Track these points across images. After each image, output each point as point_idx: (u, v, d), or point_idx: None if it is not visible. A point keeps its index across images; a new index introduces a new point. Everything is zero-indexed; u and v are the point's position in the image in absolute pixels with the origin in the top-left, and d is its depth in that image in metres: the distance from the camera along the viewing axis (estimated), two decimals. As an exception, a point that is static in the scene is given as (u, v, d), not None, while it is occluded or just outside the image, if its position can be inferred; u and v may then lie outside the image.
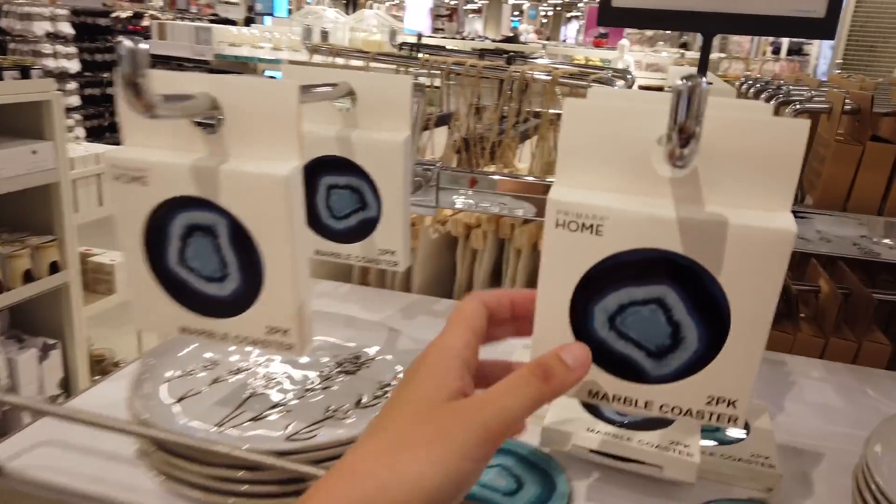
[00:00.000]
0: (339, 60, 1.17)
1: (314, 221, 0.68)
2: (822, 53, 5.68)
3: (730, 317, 0.37)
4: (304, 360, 0.70)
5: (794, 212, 0.36)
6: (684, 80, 0.32)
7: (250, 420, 0.60)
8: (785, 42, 7.68)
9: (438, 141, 1.32)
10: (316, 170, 0.66)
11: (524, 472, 0.61)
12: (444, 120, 1.16)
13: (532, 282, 0.39)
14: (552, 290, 0.39)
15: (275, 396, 0.64)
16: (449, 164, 1.27)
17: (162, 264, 0.50)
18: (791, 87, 1.15)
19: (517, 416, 0.35)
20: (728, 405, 0.39)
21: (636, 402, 0.40)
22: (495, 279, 1.10)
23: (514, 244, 1.03)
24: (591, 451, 0.60)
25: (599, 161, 0.37)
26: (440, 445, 0.33)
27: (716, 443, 0.64)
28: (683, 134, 0.33)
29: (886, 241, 0.86)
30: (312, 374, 0.68)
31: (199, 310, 0.50)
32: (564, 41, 11.86)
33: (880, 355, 0.90)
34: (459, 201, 0.96)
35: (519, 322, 0.43)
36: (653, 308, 0.38)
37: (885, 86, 1.09)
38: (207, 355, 0.69)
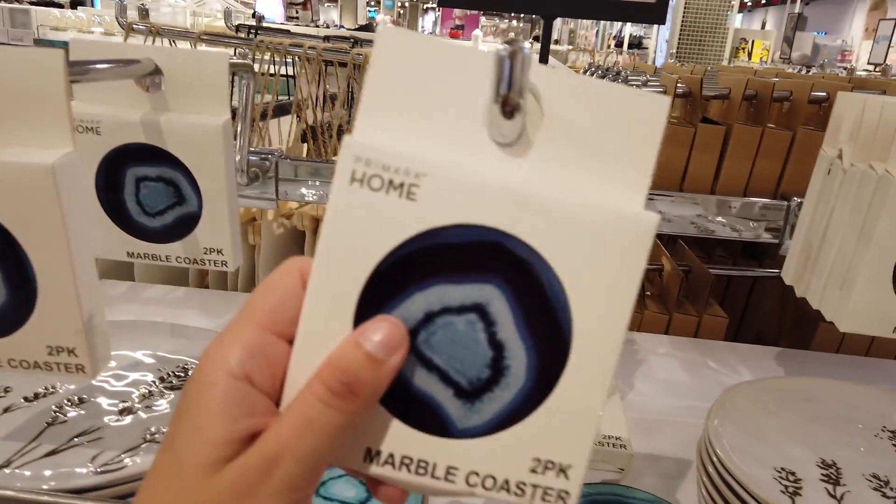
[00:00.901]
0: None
1: (123, 220, 0.60)
2: (658, 46, 6.10)
3: (570, 334, 0.28)
4: (122, 378, 0.61)
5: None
6: (505, 46, 0.29)
7: (48, 454, 0.51)
8: (627, 36, 8.19)
9: (287, 130, 1.25)
10: (119, 160, 0.57)
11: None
12: (283, 109, 1.09)
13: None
14: (333, 278, 0.27)
15: (82, 423, 0.55)
16: (298, 153, 1.20)
17: None
18: (629, 73, 1.18)
19: (325, 456, 0.26)
20: (559, 473, 0.28)
21: (435, 467, 0.29)
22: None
23: (365, 236, 0.98)
24: None
25: (420, 109, 0.28)
26: None
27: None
28: (507, 106, 0.29)
29: (719, 218, 0.91)
30: (132, 393, 0.59)
31: (-42, 332, 0.41)
32: (425, 32, 11.96)
33: (719, 328, 0.95)
34: (306, 193, 0.89)
35: None
36: (471, 320, 0.28)
37: (713, 72, 1.15)
38: (-1, 381, 0.59)
